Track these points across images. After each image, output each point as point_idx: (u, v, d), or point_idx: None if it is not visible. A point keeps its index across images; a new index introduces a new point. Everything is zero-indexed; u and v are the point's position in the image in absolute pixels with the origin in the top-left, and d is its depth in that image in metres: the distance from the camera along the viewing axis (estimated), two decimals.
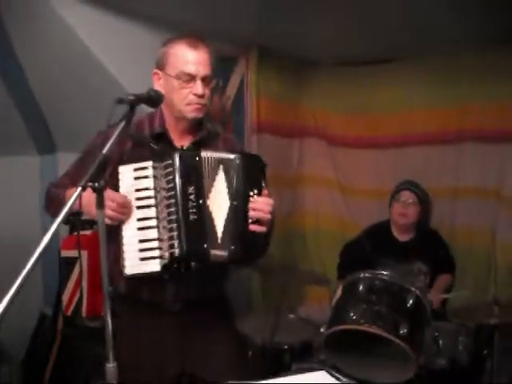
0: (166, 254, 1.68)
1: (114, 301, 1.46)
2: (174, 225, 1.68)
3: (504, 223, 3.34)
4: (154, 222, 1.70)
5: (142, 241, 1.70)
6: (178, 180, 1.69)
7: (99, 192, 1.36)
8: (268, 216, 1.75)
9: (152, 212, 1.71)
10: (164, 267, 1.68)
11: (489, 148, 3.40)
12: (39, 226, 3.20)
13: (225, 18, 2.90)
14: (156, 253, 1.68)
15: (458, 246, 3.45)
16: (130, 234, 1.72)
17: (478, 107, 3.40)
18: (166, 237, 1.68)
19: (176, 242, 1.67)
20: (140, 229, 1.71)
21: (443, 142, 3.58)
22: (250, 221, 1.73)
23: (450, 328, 2.68)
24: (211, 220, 1.72)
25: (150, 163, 1.72)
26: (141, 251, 1.70)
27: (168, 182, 1.70)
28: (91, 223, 2.85)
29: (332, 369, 1.80)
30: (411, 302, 2.18)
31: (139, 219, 1.72)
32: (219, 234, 1.72)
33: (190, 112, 1.82)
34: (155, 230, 1.70)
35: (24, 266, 1.13)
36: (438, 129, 3.61)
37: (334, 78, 3.99)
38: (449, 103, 3.52)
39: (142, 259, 1.69)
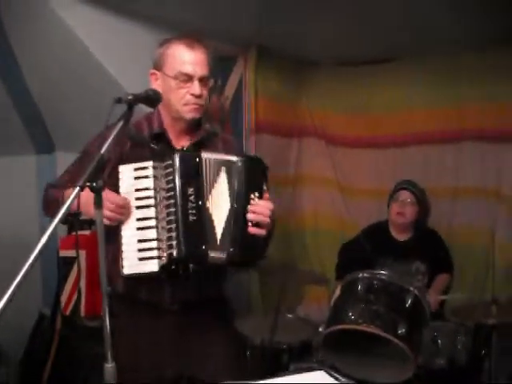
0: (165, 255, 1.68)
1: (112, 301, 1.46)
2: (173, 225, 1.67)
3: (503, 223, 3.35)
4: (153, 222, 1.70)
5: (140, 241, 1.70)
6: (177, 181, 1.69)
7: (97, 192, 1.36)
8: (267, 220, 1.75)
9: (151, 212, 1.71)
10: (162, 268, 1.68)
11: (488, 148, 3.40)
12: (38, 226, 3.21)
13: (224, 18, 2.90)
14: (154, 253, 1.68)
15: (457, 246, 3.45)
16: (129, 234, 1.72)
17: (478, 107, 3.40)
18: (164, 237, 1.68)
19: (174, 243, 1.66)
20: (139, 229, 1.71)
21: (443, 142, 3.58)
22: (249, 224, 1.73)
23: (448, 328, 2.69)
24: (211, 221, 1.72)
25: (150, 163, 1.72)
26: (139, 251, 1.70)
27: (168, 183, 1.70)
28: (90, 223, 2.85)
29: (331, 369, 1.80)
30: (410, 301, 2.18)
31: (138, 219, 1.72)
32: (218, 235, 1.72)
33: (188, 112, 1.82)
34: (154, 231, 1.70)
35: (22, 266, 1.13)
36: (437, 129, 3.61)
37: (334, 78, 3.99)
38: (448, 103, 3.52)
39: (141, 259, 1.69)
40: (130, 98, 1.49)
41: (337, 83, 3.98)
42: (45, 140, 3.41)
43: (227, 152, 1.83)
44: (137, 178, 1.72)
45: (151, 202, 1.71)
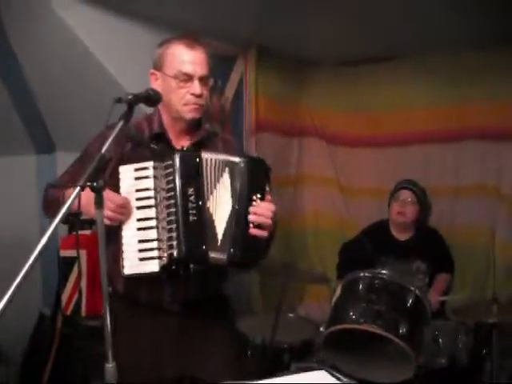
0: (165, 255, 1.67)
1: (113, 301, 1.46)
2: (174, 225, 1.67)
3: (504, 222, 3.35)
4: (153, 223, 1.70)
5: (141, 241, 1.70)
6: (177, 181, 1.69)
7: (98, 191, 1.35)
8: (269, 221, 1.74)
9: (152, 212, 1.71)
10: (163, 268, 1.68)
11: (489, 147, 3.40)
12: (38, 226, 3.21)
13: (224, 18, 2.90)
14: (155, 253, 1.68)
15: (458, 245, 3.45)
16: (130, 234, 1.71)
17: (478, 106, 3.40)
18: (165, 237, 1.68)
19: (175, 243, 1.66)
20: (140, 229, 1.71)
21: (443, 141, 3.59)
22: (251, 225, 1.73)
23: (449, 327, 2.69)
24: (211, 222, 1.72)
25: (150, 163, 1.71)
26: (140, 251, 1.69)
27: (168, 183, 1.70)
28: (90, 223, 2.85)
29: (331, 368, 1.80)
30: (411, 301, 2.18)
31: (139, 219, 1.71)
32: (219, 236, 1.72)
33: (188, 112, 1.82)
34: (155, 231, 1.69)
35: (23, 266, 1.13)
36: (438, 128, 3.61)
37: (334, 78, 3.99)
38: (449, 102, 3.52)
39: (141, 259, 1.69)
40: (130, 97, 1.49)
41: (337, 83, 3.98)
42: (45, 140, 3.41)
43: (227, 152, 1.83)
44: (137, 178, 1.72)
45: (152, 202, 1.71)
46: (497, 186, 3.40)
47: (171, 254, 1.66)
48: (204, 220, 1.70)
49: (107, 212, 1.62)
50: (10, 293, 1.09)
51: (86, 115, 2.94)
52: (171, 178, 1.70)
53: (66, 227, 3.14)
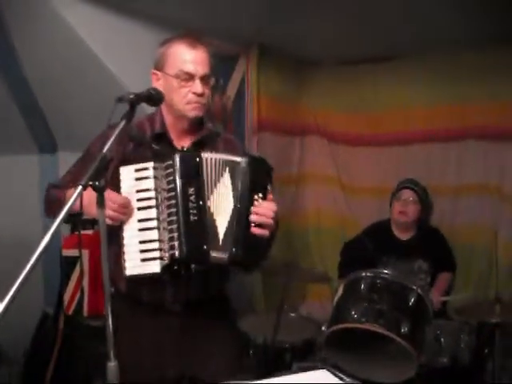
0: (167, 255, 1.67)
1: (115, 300, 1.46)
2: (175, 226, 1.67)
3: (506, 221, 3.35)
4: (154, 223, 1.69)
5: (142, 242, 1.69)
6: (178, 181, 1.68)
7: (100, 191, 1.35)
8: (270, 221, 1.74)
9: (153, 213, 1.70)
10: (164, 268, 1.67)
11: (491, 146, 3.40)
12: (40, 226, 3.20)
13: (225, 17, 2.90)
14: (156, 254, 1.68)
15: (461, 244, 3.45)
16: (131, 235, 1.71)
17: (478, 106, 3.40)
18: (166, 238, 1.68)
19: (176, 243, 1.66)
20: (141, 230, 1.70)
21: (445, 140, 3.59)
22: (252, 225, 1.73)
23: (451, 326, 2.69)
24: (213, 221, 1.71)
25: (151, 164, 1.71)
26: (141, 252, 1.69)
27: (168, 183, 1.70)
28: (92, 222, 2.85)
29: (333, 367, 1.79)
30: (413, 300, 2.17)
31: (140, 220, 1.71)
32: (221, 235, 1.71)
33: (190, 111, 1.82)
34: (156, 231, 1.69)
35: (25, 266, 1.13)
36: (439, 127, 3.61)
37: (335, 77, 3.99)
38: (449, 102, 3.52)
39: (143, 260, 1.68)
40: (132, 97, 1.49)
41: (338, 82, 3.98)
42: (47, 140, 3.41)
43: (229, 152, 1.82)
44: (138, 179, 1.71)
45: (152, 202, 1.70)
46: (498, 185, 3.40)
47: (173, 255, 1.66)
48: (205, 220, 1.70)
49: (109, 212, 1.62)
50: (12, 292, 1.09)
51: (87, 115, 2.95)
52: (171, 178, 1.69)
53: (69, 227, 3.14)
